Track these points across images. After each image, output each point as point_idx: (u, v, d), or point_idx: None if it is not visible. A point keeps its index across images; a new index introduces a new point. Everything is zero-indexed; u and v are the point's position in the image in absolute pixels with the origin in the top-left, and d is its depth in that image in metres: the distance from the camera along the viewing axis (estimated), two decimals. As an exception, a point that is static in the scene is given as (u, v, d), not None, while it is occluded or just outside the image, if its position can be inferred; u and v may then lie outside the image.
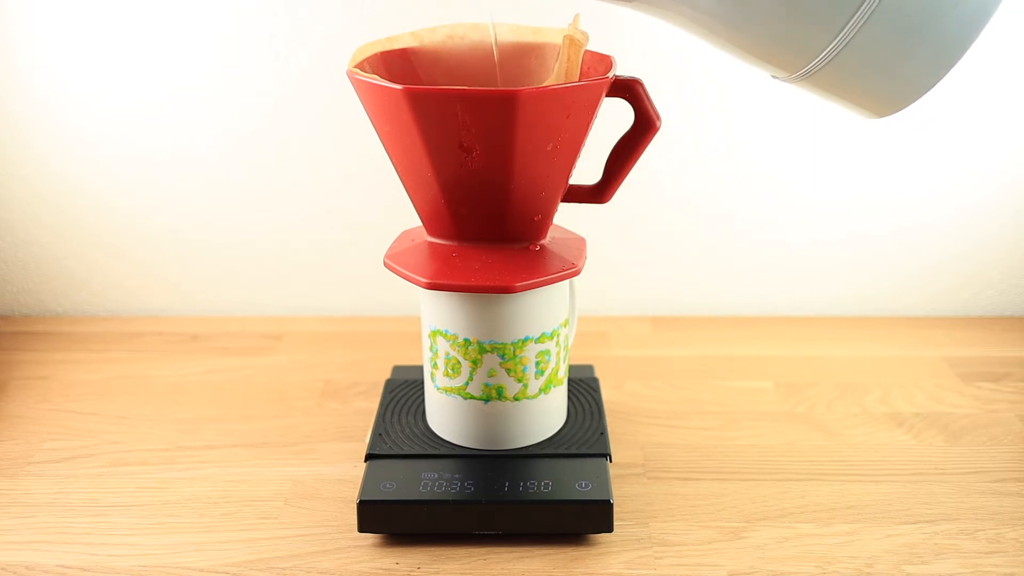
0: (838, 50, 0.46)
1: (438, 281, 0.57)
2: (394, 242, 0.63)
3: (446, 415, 0.63)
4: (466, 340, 0.60)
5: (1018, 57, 0.82)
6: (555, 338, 0.62)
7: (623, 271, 0.92)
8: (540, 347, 0.61)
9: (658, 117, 0.59)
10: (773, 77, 0.51)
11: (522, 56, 0.63)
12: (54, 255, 0.91)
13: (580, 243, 0.63)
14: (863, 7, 0.44)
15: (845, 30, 0.45)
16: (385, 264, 0.60)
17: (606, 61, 0.59)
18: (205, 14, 0.83)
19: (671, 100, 0.84)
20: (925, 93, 0.48)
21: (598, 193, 0.63)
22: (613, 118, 0.64)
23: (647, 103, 0.59)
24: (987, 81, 0.83)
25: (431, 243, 0.61)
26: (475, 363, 0.60)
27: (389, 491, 0.58)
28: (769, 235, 0.90)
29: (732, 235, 0.90)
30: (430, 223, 0.61)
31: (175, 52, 0.84)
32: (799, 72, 0.48)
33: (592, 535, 0.59)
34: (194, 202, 0.89)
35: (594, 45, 0.61)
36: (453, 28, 0.63)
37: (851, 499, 0.63)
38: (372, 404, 0.74)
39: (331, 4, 0.82)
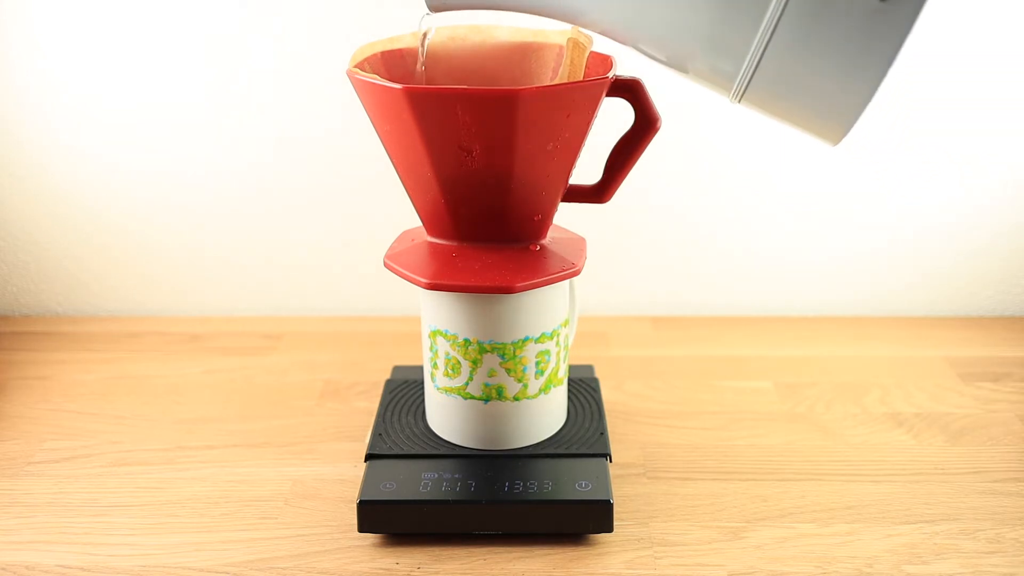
0: (757, 59, 0.46)
1: (438, 281, 0.57)
2: (394, 242, 0.63)
3: (446, 415, 0.63)
4: (466, 340, 0.60)
5: (1017, 62, 0.82)
6: (555, 338, 0.62)
7: (623, 271, 0.92)
8: (540, 347, 0.61)
9: (658, 117, 0.59)
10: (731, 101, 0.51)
11: (522, 57, 0.63)
12: (54, 255, 0.91)
13: (580, 243, 0.63)
14: (770, 13, 0.45)
15: (759, 35, 0.46)
16: (385, 264, 0.60)
17: (607, 61, 0.59)
18: (204, 15, 0.83)
19: (671, 99, 0.84)
20: (861, 108, 0.47)
21: (598, 193, 0.63)
22: (613, 118, 0.64)
23: (648, 103, 0.59)
24: (987, 84, 0.83)
25: (431, 243, 0.61)
26: (475, 363, 0.60)
27: (389, 491, 0.58)
28: (769, 236, 0.90)
29: (732, 235, 0.90)
30: (430, 223, 0.61)
31: (173, 54, 0.84)
32: (733, 89, 0.49)
33: (592, 535, 0.59)
34: (194, 202, 0.89)
35: (595, 45, 0.61)
36: (454, 29, 0.63)
37: (851, 499, 0.63)
38: (372, 404, 0.74)
39: (332, 5, 0.82)
